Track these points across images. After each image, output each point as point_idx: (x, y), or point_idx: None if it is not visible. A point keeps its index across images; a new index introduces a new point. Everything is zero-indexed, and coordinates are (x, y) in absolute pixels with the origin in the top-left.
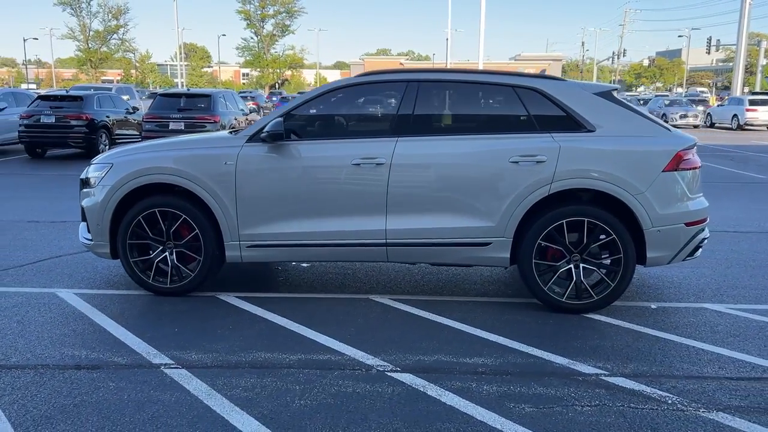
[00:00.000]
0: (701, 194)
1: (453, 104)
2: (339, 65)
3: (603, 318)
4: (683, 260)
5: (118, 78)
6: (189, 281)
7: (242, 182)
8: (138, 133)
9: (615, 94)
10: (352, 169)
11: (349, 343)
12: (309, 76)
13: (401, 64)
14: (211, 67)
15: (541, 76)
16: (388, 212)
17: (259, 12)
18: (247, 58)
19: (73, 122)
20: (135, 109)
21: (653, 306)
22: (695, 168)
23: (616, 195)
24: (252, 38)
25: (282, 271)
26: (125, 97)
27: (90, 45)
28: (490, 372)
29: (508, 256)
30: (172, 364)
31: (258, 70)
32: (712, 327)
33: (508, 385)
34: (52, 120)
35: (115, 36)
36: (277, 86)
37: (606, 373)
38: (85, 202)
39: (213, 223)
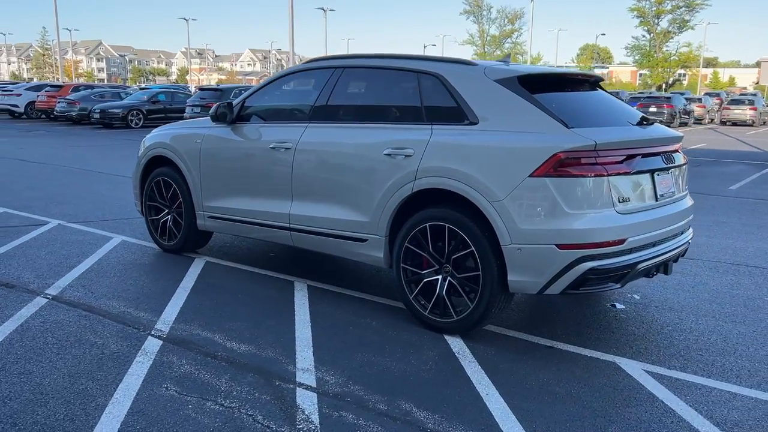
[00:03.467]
0: (606, 210)
1: (362, 91)
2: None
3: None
4: (568, 294)
5: None
6: (176, 242)
7: (204, 159)
8: None
9: (536, 78)
10: (269, 153)
11: None
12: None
13: None
14: (607, 67)
15: (451, 60)
16: (293, 197)
17: (654, 8)
18: (636, 57)
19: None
20: None
21: (548, 344)
22: (587, 176)
23: (472, 200)
24: (643, 36)
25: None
26: None
27: (486, 49)
28: None
29: (382, 255)
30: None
31: (648, 69)
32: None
33: None
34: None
35: (508, 40)
36: (664, 87)
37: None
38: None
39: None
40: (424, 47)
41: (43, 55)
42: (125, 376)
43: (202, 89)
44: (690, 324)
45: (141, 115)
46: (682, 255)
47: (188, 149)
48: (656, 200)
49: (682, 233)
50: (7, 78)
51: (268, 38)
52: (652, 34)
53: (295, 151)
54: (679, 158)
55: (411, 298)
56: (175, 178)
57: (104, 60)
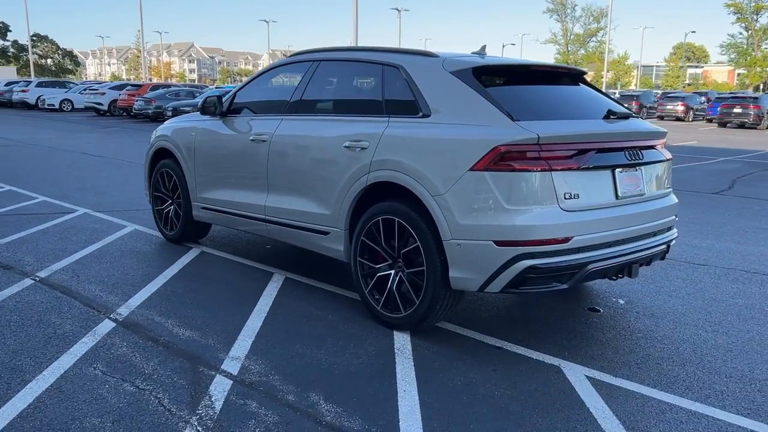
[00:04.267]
0: (549, 206)
1: (332, 84)
2: None
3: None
4: (508, 293)
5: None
6: (175, 232)
7: (197, 151)
8: None
9: (495, 70)
10: (250, 145)
11: None
12: None
13: None
14: (701, 67)
15: (413, 51)
16: (269, 189)
17: (753, 4)
18: (732, 56)
19: None
20: None
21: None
22: (528, 170)
23: (417, 194)
24: (740, 34)
25: None
26: None
27: (569, 48)
28: None
29: (342, 249)
30: None
31: (744, 69)
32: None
33: None
34: None
35: (593, 39)
36: (762, 87)
37: None
38: None
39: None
40: (503, 46)
41: (138, 56)
42: (63, 355)
43: None
44: (664, 332)
45: None
46: (661, 258)
47: (185, 141)
48: (616, 198)
49: (655, 234)
50: (108, 79)
51: (347, 38)
52: (750, 31)
53: (270, 144)
54: (658, 155)
55: (366, 292)
56: (175, 170)
57: (195, 61)
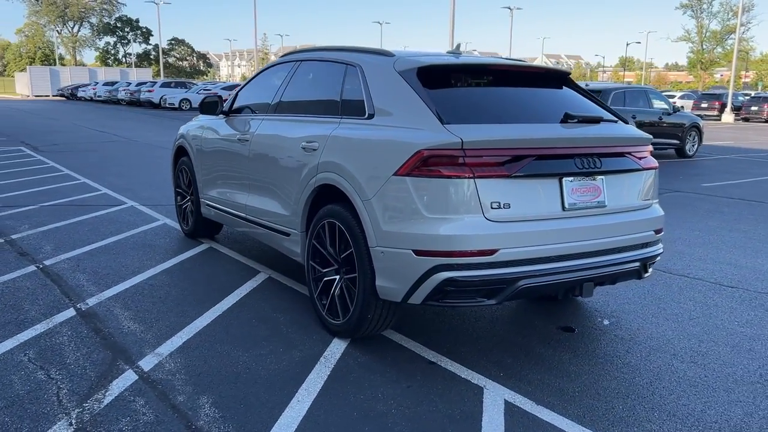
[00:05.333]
0: (471, 215)
1: (305, 84)
2: None
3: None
4: (430, 305)
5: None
6: (189, 227)
7: (202, 150)
8: (677, 140)
9: (443, 69)
10: (237, 144)
11: None
12: None
13: None
14: None
15: (371, 50)
16: (249, 188)
17: None
18: None
19: None
20: (676, 109)
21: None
22: (450, 177)
23: (350, 198)
24: None
25: None
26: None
27: (704, 46)
28: None
29: (300, 251)
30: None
31: None
32: None
33: None
34: None
35: (731, 35)
36: None
37: None
38: None
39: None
40: (627, 45)
41: (263, 58)
42: (7, 340)
43: None
44: (632, 359)
45: None
46: (637, 277)
47: (195, 140)
48: (563, 209)
49: (620, 251)
50: (238, 80)
51: (465, 38)
52: None
53: (250, 143)
54: (629, 163)
55: (315, 296)
56: (189, 167)
57: None
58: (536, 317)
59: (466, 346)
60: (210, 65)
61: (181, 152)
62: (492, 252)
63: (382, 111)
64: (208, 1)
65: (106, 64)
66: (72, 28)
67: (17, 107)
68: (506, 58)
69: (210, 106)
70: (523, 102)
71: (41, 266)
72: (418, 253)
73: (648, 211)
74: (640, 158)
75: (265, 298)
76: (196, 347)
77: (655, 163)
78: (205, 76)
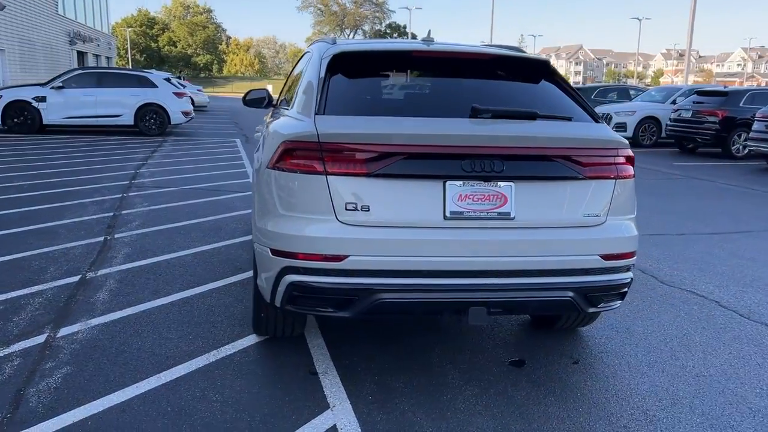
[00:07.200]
0: (322, 216)
1: (294, 76)
2: None
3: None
4: (290, 312)
5: None
6: None
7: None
8: None
9: (361, 56)
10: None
11: None
12: None
13: None
14: None
15: (329, 40)
16: None
17: None
18: None
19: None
20: None
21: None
22: (301, 172)
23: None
24: None
25: None
26: None
27: None
28: None
29: None
30: None
31: None
32: None
33: None
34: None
35: None
36: None
37: None
38: None
39: None
40: None
41: None
42: None
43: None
44: (570, 403)
45: None
46: (574, 309)
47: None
48: (444, 217)
49: (536, 275)
50: None
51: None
52: None
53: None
54: (562, 170)
55: (253, 295)
56: None
57: (582, 63)
58: (502, 348)
59: (404, 369)
60: None
61: None
62: (340, 258)
63: (296, 101)
64: (447, 6)
65: None
66: (348, 35)
67: None
68: (458, 44)
69: (259, 99)
70: (441, 93)
71: (110, 238)
72: (273, 252)
73: (595, 229)
74: (589, 165)
75: (241, 299)
76: (126, 340)
77: (628, 171)
78: None
